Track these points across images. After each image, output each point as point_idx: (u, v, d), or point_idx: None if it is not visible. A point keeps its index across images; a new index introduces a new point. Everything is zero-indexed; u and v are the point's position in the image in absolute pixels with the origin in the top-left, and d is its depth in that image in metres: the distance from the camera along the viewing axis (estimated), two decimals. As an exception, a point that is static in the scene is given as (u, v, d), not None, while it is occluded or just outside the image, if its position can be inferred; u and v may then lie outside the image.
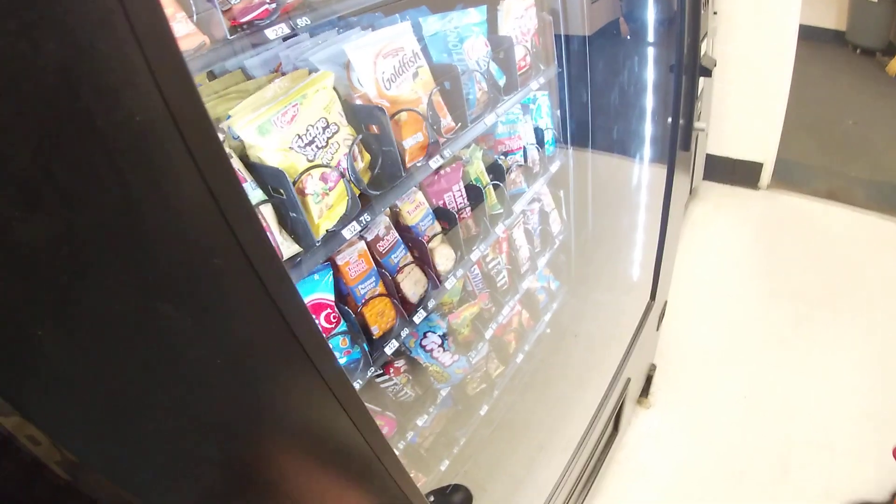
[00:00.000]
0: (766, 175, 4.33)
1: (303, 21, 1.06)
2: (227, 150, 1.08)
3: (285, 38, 1.41)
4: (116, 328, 0.48)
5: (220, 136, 1.08)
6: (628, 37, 2.14)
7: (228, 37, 0.99)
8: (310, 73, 1.30)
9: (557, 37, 1.96)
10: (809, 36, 4.79)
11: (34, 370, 0.45)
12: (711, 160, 4.34)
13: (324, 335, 0.79)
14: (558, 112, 2.04)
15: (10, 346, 0.43)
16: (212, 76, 1.39)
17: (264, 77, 1.38)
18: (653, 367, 2.81)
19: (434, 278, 1.48)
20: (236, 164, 1.08)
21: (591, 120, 2.14)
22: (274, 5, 1.06)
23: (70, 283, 0.43)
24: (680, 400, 2.86)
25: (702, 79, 2.79)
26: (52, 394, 0.47)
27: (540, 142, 1.89)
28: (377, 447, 0.83)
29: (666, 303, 2.58)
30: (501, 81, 1.58)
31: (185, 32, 0.96)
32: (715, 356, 3.07)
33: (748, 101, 4.02)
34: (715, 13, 3.67)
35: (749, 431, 2.67)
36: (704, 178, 4.41)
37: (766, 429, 2.67)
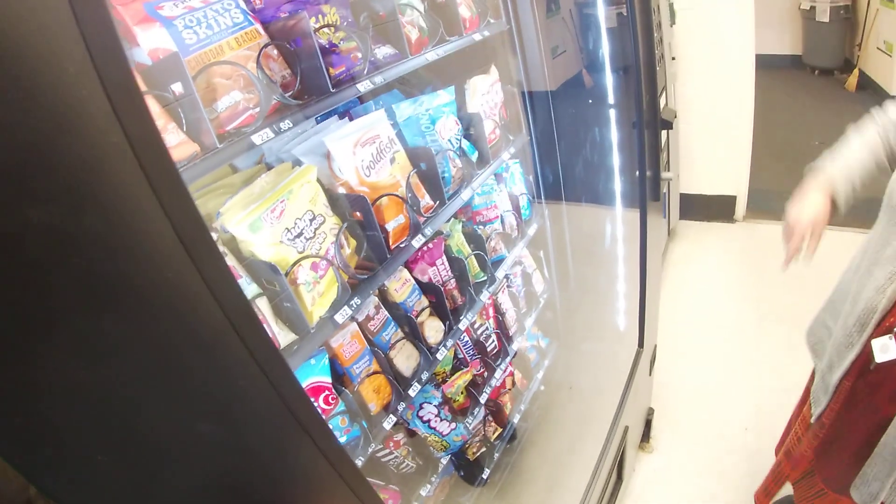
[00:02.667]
0: (740, 207, 4.46)
1: (285, 124, 1.14)
2: (222, 248, 1.13)
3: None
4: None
5: (214, 235, 1.15)
6: (592, 91, 2.26)
7: (218, 145, 1.05)
8: (293, 166, 1.37)
9: (524, 105, 2.07)
10: (768, 64, 5.02)
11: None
12: (686, 199, 4.47)
13: (324, 420, 0.83)
14: (531, 177, 2.13)
15: (76, 466, 0.50)
16: (199, 169, 1.45)
17: (249, 170, 1.44)
18: (651, 411, 2.83)
19: (426, 351, 1.53)
20: (231, 261, 1.13)
21: (563, 180, 2.23)
22: (258, 110, 1.13)
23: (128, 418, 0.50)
24: (682, 440, 2.87)
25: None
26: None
27: (516, 208, 1.97)
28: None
29: (656, 347, 2.63)
30: (474, 156, 1.67)
31: (176, 142, 1.01)
32: (712, 391, 3.09)
33: (715, 137, 4.17)
34: (673, 58, 3.85)
35: (755, 462, 2.67)
36: (681, 218, 4.52)
37: (772, 458, 2.68)
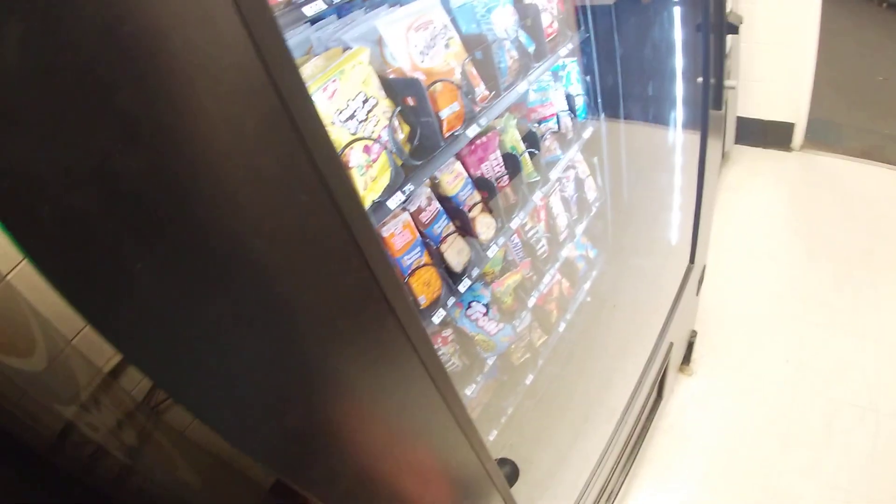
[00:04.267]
0: (798, 136, 4.24)
1: (338, -3, 1.08)
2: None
3: (314, 22, 1.43)
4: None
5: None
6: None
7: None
8: (343, 50, 1.32)
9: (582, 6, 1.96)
10: (834, -11, 4.67)
11: (129, 303, 0.49)
12: (742, 123, 4.27)
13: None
14: (588, 78, 2.03)
15: (109, 278, 0.47)
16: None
17: (297, 59, 1.40)
18: (693, 334, 2.79)
19: (477, 247, 1.50)
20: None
21: (622, 83, 2.13)
22: (310, -21, 1.07)
23: (168, 216, 0.47)
24: (722, 365, 2.85)
25: (729, 37, 2.74)
26: (144, 328, 0.51)
27: (572, 108, 1.89)
28: (446, 391, 0.87)
29: (705, 267, 2.56)
30: (531, 49, 1.59)
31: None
32: (755, 320, 3.04)
33: (776, 60, 3.93)
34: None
35: (793, 395, 2.65)
36: (736, 142, 4.33)
37: (810, 391, 2.64)
